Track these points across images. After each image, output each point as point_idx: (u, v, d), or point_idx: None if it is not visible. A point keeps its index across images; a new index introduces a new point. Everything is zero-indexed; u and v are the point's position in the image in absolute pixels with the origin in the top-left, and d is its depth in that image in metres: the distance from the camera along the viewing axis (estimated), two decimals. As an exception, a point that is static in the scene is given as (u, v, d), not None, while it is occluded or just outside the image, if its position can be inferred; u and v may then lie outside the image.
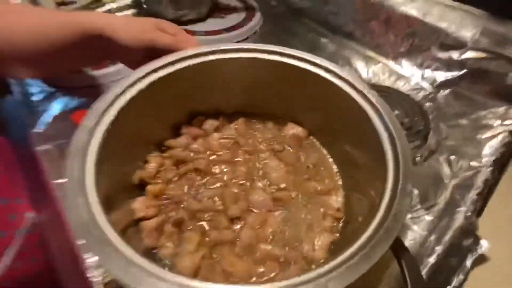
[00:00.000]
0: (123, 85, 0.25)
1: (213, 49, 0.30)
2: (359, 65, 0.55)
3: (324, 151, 0.33)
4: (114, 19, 0.31)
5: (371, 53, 0.56)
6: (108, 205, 0.19)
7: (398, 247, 0.19)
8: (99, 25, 0.30)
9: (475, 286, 0.27)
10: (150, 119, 0.27)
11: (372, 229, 0.18)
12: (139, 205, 0.24)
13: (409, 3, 0.51)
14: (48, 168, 0.34)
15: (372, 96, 0.28)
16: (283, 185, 0.29)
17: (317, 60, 0.31)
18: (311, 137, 0.34)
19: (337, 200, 0.28)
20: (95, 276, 0.26)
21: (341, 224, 0.27)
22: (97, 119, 0.23)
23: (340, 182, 0.30)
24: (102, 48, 0.31)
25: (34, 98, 0.44)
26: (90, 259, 0.27)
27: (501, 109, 0.44)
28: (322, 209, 0.27)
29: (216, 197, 0.26)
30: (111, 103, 0.24)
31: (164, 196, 0.26)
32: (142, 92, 0.26)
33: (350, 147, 0.30)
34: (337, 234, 0.26)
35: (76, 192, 0.18)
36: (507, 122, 0.42)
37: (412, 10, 0.50)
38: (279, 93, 0.33)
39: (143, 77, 0.27)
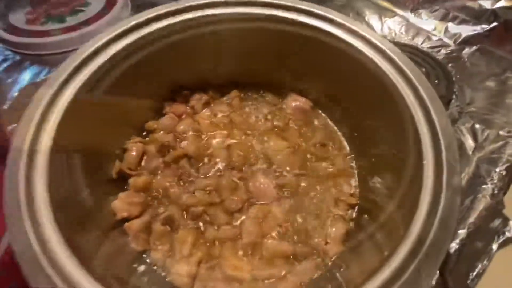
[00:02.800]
0: (89, 49, 0.20)
1: (200, 2, 0.23)
2: (373, 18, 0.47)
3: (334, 126, 0.29)
4: None
5: (386, 4, 0.48)
6: (75, 211, 0.15)
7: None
8: None
9: (499, 271, 0.25)
10: (124, 95, 0.22)
11: (412, 242, 0.14)
12: (120, 204, 0.20)
13: None
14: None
15: (396, 55, 0.22)
16: (287, 169, 0.25)
17: (323, 11, 0.24)
18: (317, 109, 0.30)
19: (350, 184, 0.25)
20: None
21: (355, 212, 0.23)
22: (54, 94, 0.18)
23: (353, 163, 0.26)
24: None
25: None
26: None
27: (535, 68, 0.38)
28: (333, 195, 0.24)
29: (210, 188, 0.22)
30: (72, 74, 0.19)
31: (150, 190, 0.22)
32: (113, 60, 0.20)
33: (366, 120, 0.25)
34: (351, 224, 0.23)
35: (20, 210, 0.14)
36: (541, 83, 0.37)
37: None
38: (277, 56, 0.27)
39: (114, 39, 0.21)
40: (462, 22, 0.43)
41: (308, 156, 0.26)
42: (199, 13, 0.23)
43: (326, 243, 0.22)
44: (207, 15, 0.23)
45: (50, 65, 0.40)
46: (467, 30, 0.43)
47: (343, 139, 0.28)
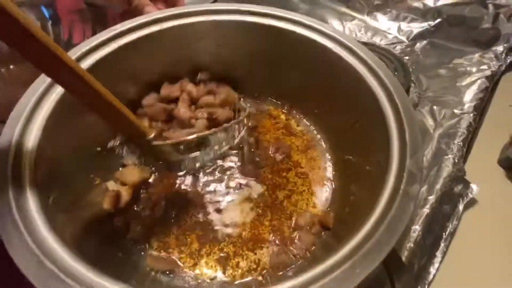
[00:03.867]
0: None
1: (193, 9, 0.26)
2: (334, 23, 0.52)
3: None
4: None
5: (345, 10, 0.53)
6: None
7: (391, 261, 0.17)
8: None
9: (467, 229, 0.27)
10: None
11: (356, 242, 0.16)
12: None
13: None
14: None
15: (360, 49, 0.25)
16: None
17: (295, 16, 0.27)
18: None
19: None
20: None
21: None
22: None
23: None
24: None
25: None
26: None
27: (476, 55, 0.44)
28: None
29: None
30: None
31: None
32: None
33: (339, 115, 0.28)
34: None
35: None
36: (483, 67, 0.42)
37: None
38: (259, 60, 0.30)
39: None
40: (412, 20, 0.48)
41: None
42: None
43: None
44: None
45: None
46: (417, 28, 0.48)
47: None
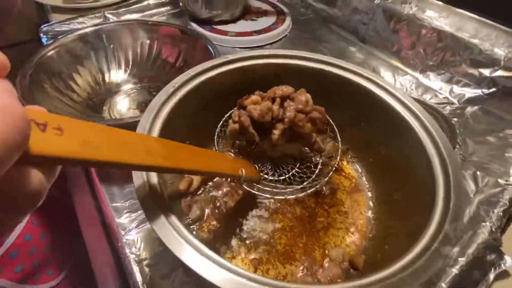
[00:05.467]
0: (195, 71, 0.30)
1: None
2: (387, 75, 0.55)
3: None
4: None
5: (399, 64, 0.57)
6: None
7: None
8: None
9: (497, 300, 0.28)
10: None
11: (383, 275, 0.18)
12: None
13: (443, 18, 0.51)
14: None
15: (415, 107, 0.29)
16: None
17: (355, 68, 0.32)
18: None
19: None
20: (132, 252, 0.27)
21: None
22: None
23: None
24: None
25: None
26: (127, 237, 0.28)
27: (530, 129, 0.44)
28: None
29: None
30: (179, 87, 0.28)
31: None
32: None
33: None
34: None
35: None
36: (536, 142, 0.42)
37: (445, 25, 0.50)
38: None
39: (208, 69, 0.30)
40: (465, 85, 0.50)
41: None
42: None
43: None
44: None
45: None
46: (470, 92, 0.49)
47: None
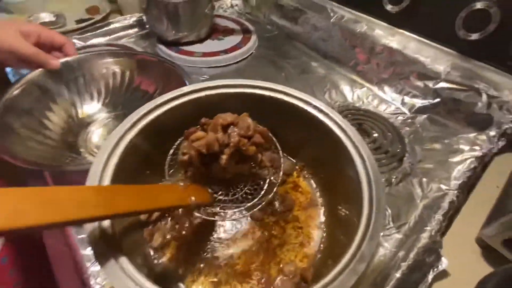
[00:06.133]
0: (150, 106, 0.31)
1: (209, 85, 0.34)
2: (346, 88, 0.59)
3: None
4: None
5: (357, 78, 0.61)
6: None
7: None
8: None
9: (435, 299, 0.31)
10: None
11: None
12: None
13: (390, 36, 0.56)
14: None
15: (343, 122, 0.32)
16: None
17: (300, 95, 0.34)
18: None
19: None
20: (97, 283, 0.29)
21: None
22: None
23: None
24: None
25: None
26: (92, 268, 0.30)
27: (471, 136, 0.48)
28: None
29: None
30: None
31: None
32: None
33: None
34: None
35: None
36: (475, 147, 0.47)
37: (393, 43, 0.55)
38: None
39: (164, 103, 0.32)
40: (415, 96, 0.54)
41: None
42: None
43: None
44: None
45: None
46: (418, 103, 0.54)
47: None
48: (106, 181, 0.25)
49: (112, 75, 0.49)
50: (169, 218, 0.33)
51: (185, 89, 0.33)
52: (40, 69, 0.42)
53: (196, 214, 0.27)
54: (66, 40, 0.44)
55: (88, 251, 0.31)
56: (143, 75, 0.49)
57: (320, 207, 0.35)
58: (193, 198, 0.26)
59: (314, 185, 0.37)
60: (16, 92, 0.40)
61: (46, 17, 0.63)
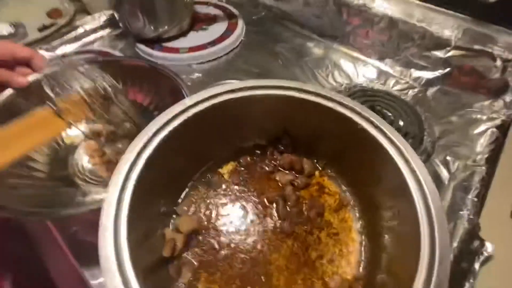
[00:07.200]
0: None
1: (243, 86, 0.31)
2: (348, 67, 0.55)
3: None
4: None
5: (358, 55, 0.57)
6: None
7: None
8: None
9: (484, 286, 0.30)
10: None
11: None
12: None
13: (391, 5, 0.51)
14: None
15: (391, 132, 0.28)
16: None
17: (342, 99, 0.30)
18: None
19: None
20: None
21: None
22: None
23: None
24: None
25: None
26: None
27: (487, 103, 0.46)
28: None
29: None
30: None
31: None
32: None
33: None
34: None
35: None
36: (494, 115, 0.45)
37: (395, 13, 0.50)
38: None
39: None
40: (423, 68, 0.51)
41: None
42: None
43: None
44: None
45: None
46: (428, 75, 0.51)
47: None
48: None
49: (93, 89, 0.42)
50: (196, 248, 0.30)
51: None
52: (5, 93, 0.36)
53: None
54: (32, 53, 0.37)
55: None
56: (131, 85, 0.43)
57: (353, 208, 0.33)
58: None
59: (342, 185, 0.34)
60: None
61: (3, 29, 0.54)
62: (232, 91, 0.31)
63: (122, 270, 0.20)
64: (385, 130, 0.28)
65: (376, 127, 0.28)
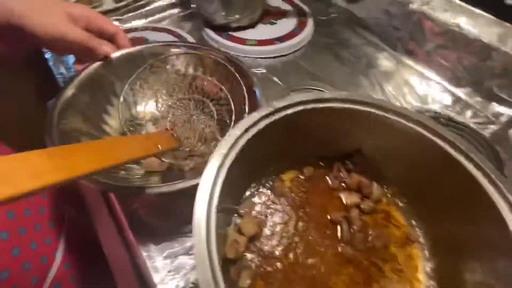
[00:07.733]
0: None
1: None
2: (420, 87, 0.51)
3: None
4: (32, 5, 0.31)
5: (432, 75, 0.53)
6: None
7: None
8: (11, 13, 0.30)
9: None
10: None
11: None
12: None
13: (484, 27, 0.46)
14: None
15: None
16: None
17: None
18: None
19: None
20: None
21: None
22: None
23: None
24: (15, 35, 0.31)
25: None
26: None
27: None
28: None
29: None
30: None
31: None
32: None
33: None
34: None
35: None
36: None
37: (488, 37, 0.46)
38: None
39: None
40: (507, 104, 0.47)
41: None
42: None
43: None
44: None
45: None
46: (510, 111, 0.46)
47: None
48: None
49: (175, 72, 0.42)
50: (257, 251, 0.29)
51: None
52: (91, 67, 0.37)
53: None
54: (118, 30, 0.37)
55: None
56: (211, 76, 0.41)
57: (423, 246, 0.30)
58: (159, 146, 0.26)
59: (411, 218, 0.32)
60: (71, 92, 0.35)
61: (81, -8, 0.55)
62: (321, 100, 0.29)
63: (209, 240, 0.21)
64: (487, 170, 0.25)
65: (478, 166, 0.25)
